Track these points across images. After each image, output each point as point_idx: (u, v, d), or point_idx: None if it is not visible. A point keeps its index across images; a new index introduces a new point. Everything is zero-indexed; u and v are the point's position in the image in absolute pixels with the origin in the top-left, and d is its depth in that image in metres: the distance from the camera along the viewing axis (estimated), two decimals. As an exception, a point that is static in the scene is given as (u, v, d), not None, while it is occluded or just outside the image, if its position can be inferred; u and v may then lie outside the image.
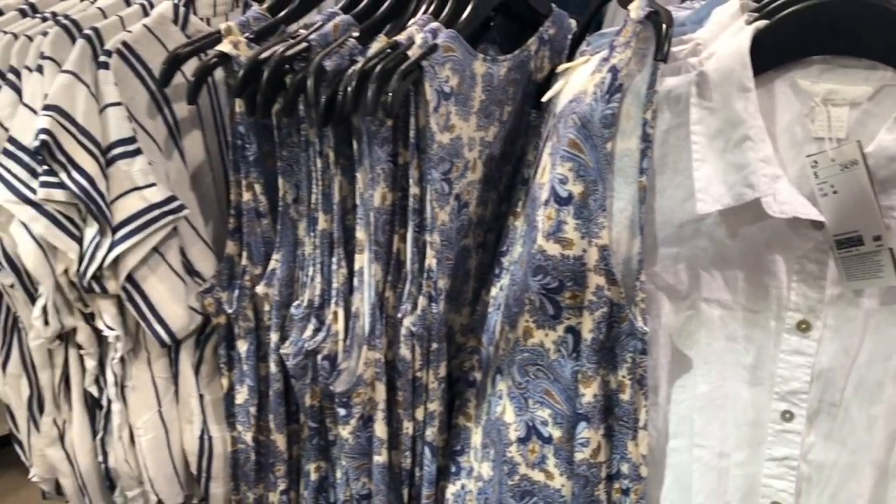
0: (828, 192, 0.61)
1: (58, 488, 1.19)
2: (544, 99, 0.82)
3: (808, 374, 0.68)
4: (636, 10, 0.68)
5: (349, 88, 0.77)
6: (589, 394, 0.75)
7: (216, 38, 0.87)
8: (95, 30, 0.87)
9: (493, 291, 0.91)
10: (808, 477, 0.71)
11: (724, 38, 0.66)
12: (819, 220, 0.62)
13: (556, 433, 0.79)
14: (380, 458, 0.92)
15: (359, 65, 0.78)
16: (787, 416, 0.70)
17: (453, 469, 0.94)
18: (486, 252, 0.99)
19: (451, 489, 0.94)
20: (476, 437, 0.91)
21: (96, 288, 0.91)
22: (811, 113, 0.63)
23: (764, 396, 0.71)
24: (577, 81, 0.75)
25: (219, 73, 0.95)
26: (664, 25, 0.64)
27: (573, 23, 1.01)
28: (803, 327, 0.68)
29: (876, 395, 0.65)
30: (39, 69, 0.88)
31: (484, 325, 0.91)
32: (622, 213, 0.72)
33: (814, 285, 0.66)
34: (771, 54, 0.63)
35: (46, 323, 0.95)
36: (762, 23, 0.63)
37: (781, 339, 0.69)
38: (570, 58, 0.91)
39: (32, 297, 0.98)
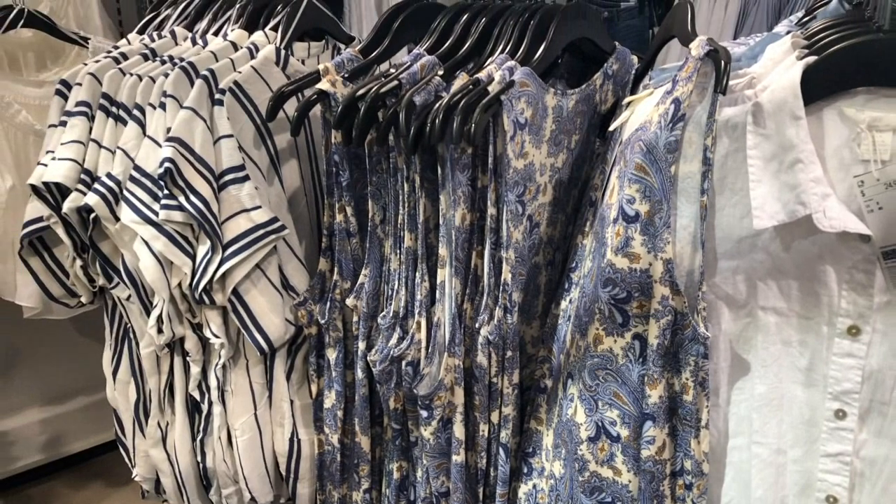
0: (874, 209, 0.68)
1: (156, 488, 1.30)
2: (611, 128, 0.90)
3: (860, 375, 0.74)
4: (697, 48, 0.77)
5: (437, 120, 0.87)
6: (655, 395, 0.83)
7: (315, 77, 0.98)
8: (211, 71, 0.99)
9: (563, 304, 0.99)
10: (861, 472, 0.77)
11: (778, 71, 0.74)
12: (867, 233, 0.69)
13: (624, 432, 0.86)
14: (458, 458, 1.00)
15: (444, 99, 0.88)
16: (840, 414, 0.76)
17: (525, 469, 1.02)
18: (555, 269, 1.07)
19: (524, 489, 1.01)
20: (548, 439, 0.98)
21: (206, 299, 1.02)
22: (857, 138, 0.70)
23: (818, 396, 0.77)
24: (643, 112, 0.83)
25: (313, 110, 1.06)
26: (723, 62, 0.73)
27: (635, 59, 1.09)
28: (854, 332, 0.74)
29: (920, 393, 0.72)
30: (162, 106, 1.00)
31: (554, 335, 0.99)
32: (685, 230, 0.79)
33: (863, 293, 0.73)
34: (820, 86, 0.71)
35: (160, 331, 1.06)
36: (812, 58, 0.71)
37: (833, 343, 0.75)
38: (634, 91, 1.00)
39: (147, 309, 1.09)
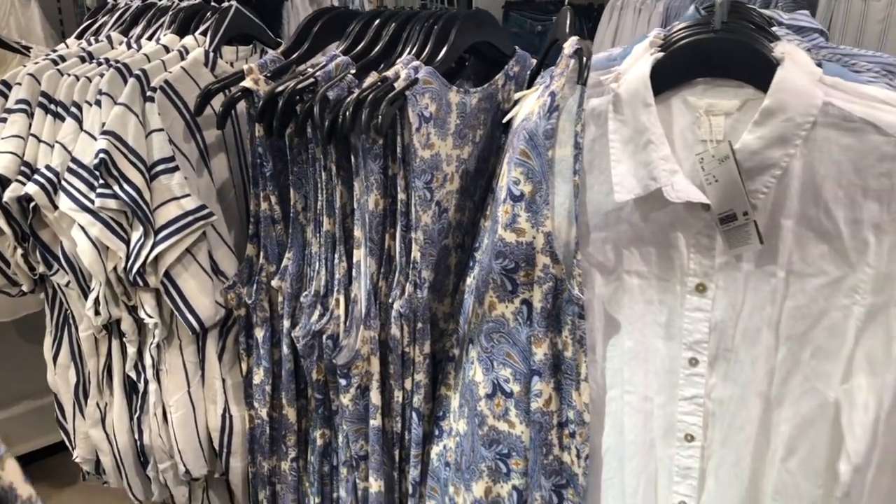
0: (711, 182, 0.80)
1: (96, 468, 1.37)
2: (504, 121, 1.01)
3: (707, 327, 0.86)
4: (568, 47, 0.89)
5: (347, 113, 0.97)
6: (540, 353, 0.94)
7: (240, 76, 1.08)
8: (144, 71, 1.08)
9: (468, 281, 1.09)
10: (713, 412, 0.88)
11: (636, 66, 0.86)
12: (706, 203, 0.81)
13: (516, 388, 0.97)
14: (375, 423, 1.10)
15: (355, 94, 0.99)
16: (693, 362, 0.88)
17: (437, 432, 1.12)
18: (465, 252, 1.18)
19: (436, 449, 1.11)
20: (454, 402, 1.09)
21: (139, 282, 1.10)
22: (697, 121, 0.82)
23: (676, 348, 0.89)
24: (528, 105, 0.95)
25: (240, 107, 1.16)
26: (584, 58, 0.84)
27: (534, 61, 1.21)
28: (701, 289, 0.86)
29: (756, 339, 0.83)
30: (98, 103, 1.09)
31: (462, 309, 1.09)
32: (562, 206, 0.91)
33: (707, 255, 0.85)
34: (667, 78, 0.83)
35: (97, 313, 1.14)
36: (660, 54, 0.83)
37: (685, 300, 0.87)
38: (529, 88, 1.12)
39: (85, 293, 1.17)
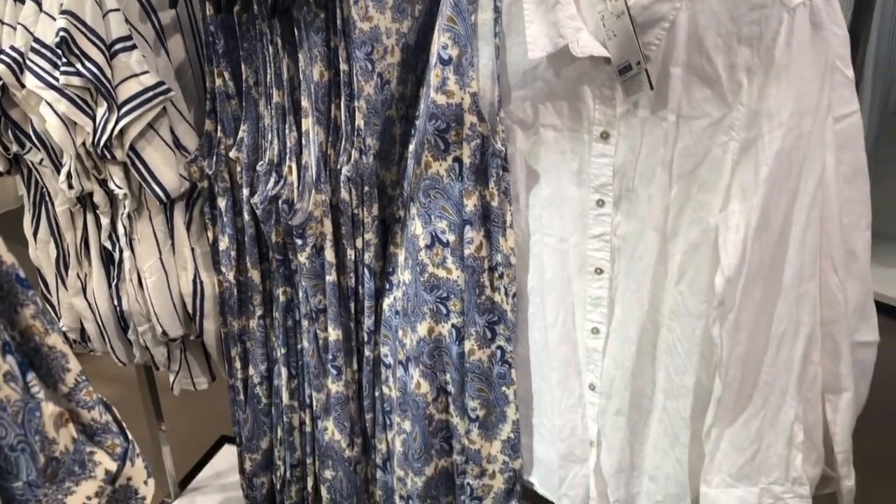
0: (611, 37, 0.89)
1: (82, 336, 1.49)
2: (436, -8, 1.09)
3: (611, 170, 0.97)
4: (484, -84, 0.96)
5: (285, -13, 1.05)
6: (471, 204, 1.04)
7: (190, -43, 1.14)
8: (96, -47, 1.14)
9: (411, 147, 1.19)
10: (618, 247, 1.00)
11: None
12: (607, 56, 0.90)
13: (451, 237, 1.08)
14: (330, 278, 1.21)
15: (293, -30, 1.06)
16: (601, 203, 0.99)
17: (387, 286, 1.23)
18: (409, 123, 1.27)
19: (387, 301, 1.23)
20: (400, 257, 1.20)
21: (107, 155, 1.19)
22: (599, -18, 0.91)
23: (586, 192, 1.00)
24: (455, -24, 1.02)
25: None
26: (496, -75, 0.92)
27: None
28: (605, 136, 0.96)
29: (651, 179, 0.94)
30: (55, -15, 1.15)
31: (405, 173, 1.19)
32: (485, 68, 1.00)
33: (609, 105, 0.94)
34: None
35: (70, 186, 1.23)
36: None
37: (592, 147, 0.97)
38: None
39: (58, 169, 1.26)
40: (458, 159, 1.05)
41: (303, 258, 1.21)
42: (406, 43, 1.20)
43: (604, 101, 0.95)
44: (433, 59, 1.03)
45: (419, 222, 1.11)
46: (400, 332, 1.19)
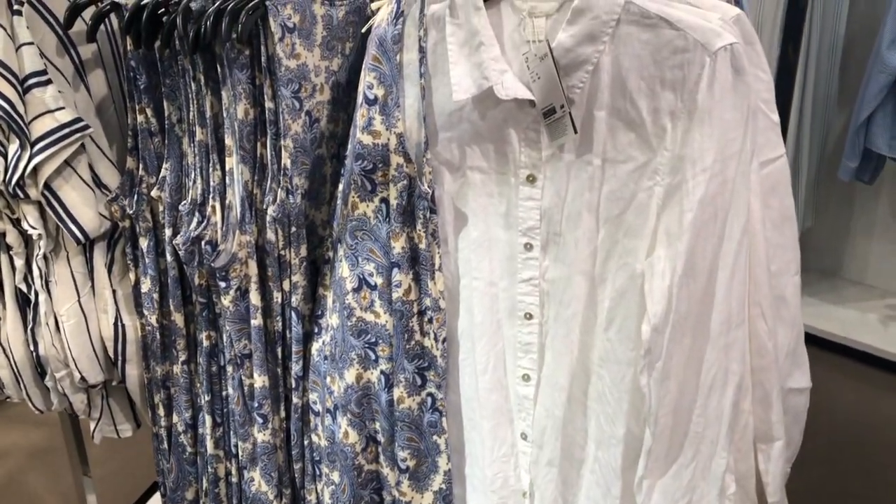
0: (536, 79, 0.88)
1: (-3, 383, 1.41)
2: (363, 31, 1.07)
3: (538, 214, 0.95)
4: (410, -44, 0.94)
5: (208, 23, 1.02)
6: (398, 246, 1.01)
7: (109, -10, 1.10)
8: (10, -16, 1.10)
9: (340, 187, 1.16)
10: (547, 291, 0.97)
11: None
12: (532, 98, 0.88)
13: (379, 280, 1.05)
14: (256, 322, 1.17)
15: (216, 4, 1.03)
16: (529, 247, 0.97)
17: (316, 330, 1.19)
18: (340, 162, 1.24)
19: (316, 346, 1.19)
20: (329, 300, 1.16)
21: (20, 194, 1.14)
22: (523, 23, 0.89)
23: (514, 235, 0.97)
24: (381, 13, 1.00)
25: (117, 24, 1.19)
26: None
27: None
28: (531, 179, 0.94)
29: (578, 223, 0.92)
30: (-35, 17, 1.10)
31: (335, 214, 1.16)
32: (411, 108, 0.97)
33: (534, 147, 0.93)
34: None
35: (-21, 227, 1.18)
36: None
37: (519, 191, 0.95)
38: None
39: (-33, 207, 1.20)
40: (385, 200, 1.02)
41: (227, 301, 1.16)
42: (336, 81, 1.18)
43: (529, 143, 0.93)
44: (359, 98, 1.00)
45: (346, 265, 1.07)
46: (328, 379, 1.15)
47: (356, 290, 1.07)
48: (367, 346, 1.07)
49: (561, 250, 0.94)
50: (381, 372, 1.08)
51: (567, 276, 0.94)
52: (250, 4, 1.02)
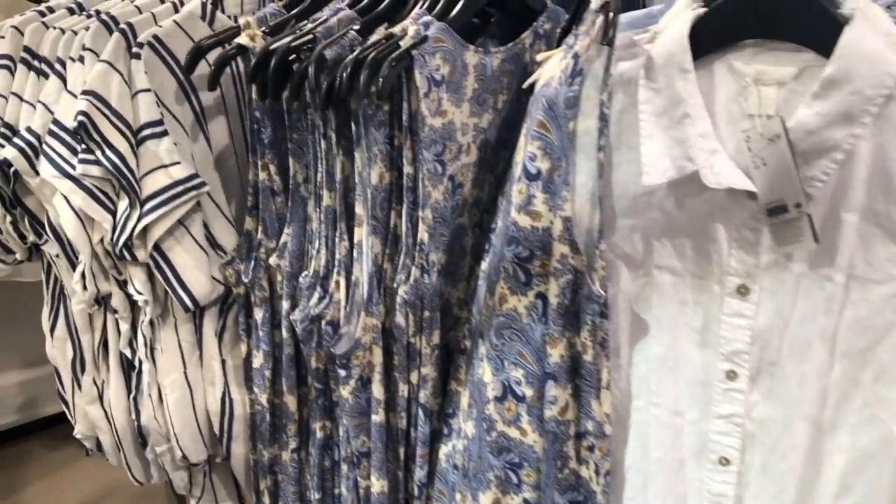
0: (759, 165, 0.67)
1: (98, 446, 1.31)
2: (525, 86, 0.88)
3: (749, 336, 0.73)
4: (595, 1, 0.75)
5: (344, 74, 0.86)
6: (556, 354, 0.82)
7: (236, 31, 0.97)
8: (130, 24, 0.98)
9: (483, 265, 0.98)
10: (752, 433, 0.76)
11: (671, 25, 0.72)
12: (752, 190, 0.68)
13: (529, 392, 0.86)
14: (377, 418, 1.00)
15: (354, 54, 0.87)
16: (732, 375, 0.75)
17: (446, 431, 1.01)
18: (483, 232, 1.06)
19: (444, 449, 1.01)
20: (464, 400, 0.98)
21: (127, 256, 1.02)
22: (744, 92, 0.68)
23: (711, 357, 0.76)
24: (550, 68, 0.82)
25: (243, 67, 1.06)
26: (610, 13, 0.71)
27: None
28: (742, 291, 0.73)
29: (806, 354, 0.70)
30: (81, 59, 0.99)
31: (475, 296, 0.98)
32: (583, 188, 0.78)
33: (750, 251, 0.71)
34: (710, 38, 0.69)
35: (85, 288, 1.06)
36: (701, 10, 0.69)
37: (724, 303, 0.74)
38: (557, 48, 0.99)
39: (74, 265, 1.09)
40: (542, 296, 0.83)
41: (346, 392, 1.00)
42: (485, 139, 1.00)
43: (743, 245, 0.71)
44: (517, 170, 0.82)
45: (489, 367, 0.89)
46: (458, 496, 0.96)
47: (499, 399, 0.88)
48: (508, 467, 0.88)
49: (778, 385, 0.72)
50: (525, 501, 0.88)
51: (784, 419, 0.72)
52: (394, 54, 0.85)
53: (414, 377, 0.99)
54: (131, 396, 1.17)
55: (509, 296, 0.85)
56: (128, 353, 1.14)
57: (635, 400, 0.83)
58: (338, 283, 0.99)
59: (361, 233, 0.96)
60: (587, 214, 0.79)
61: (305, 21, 0.99)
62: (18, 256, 1.19)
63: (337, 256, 0.98)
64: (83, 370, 1.21)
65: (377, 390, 0.99)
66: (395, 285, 0.96)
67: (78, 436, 1.30)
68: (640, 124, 0.73)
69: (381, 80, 0.84)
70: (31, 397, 2.33)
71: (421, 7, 0.94)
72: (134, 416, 1.18)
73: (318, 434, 1.08)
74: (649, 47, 0.74)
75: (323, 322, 0.99)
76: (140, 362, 1.13)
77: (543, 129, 0.78)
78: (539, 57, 0.90)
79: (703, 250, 0.74)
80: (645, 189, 0.75)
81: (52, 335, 1.24)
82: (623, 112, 0.75)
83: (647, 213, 0.76)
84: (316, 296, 1.01)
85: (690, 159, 0.69)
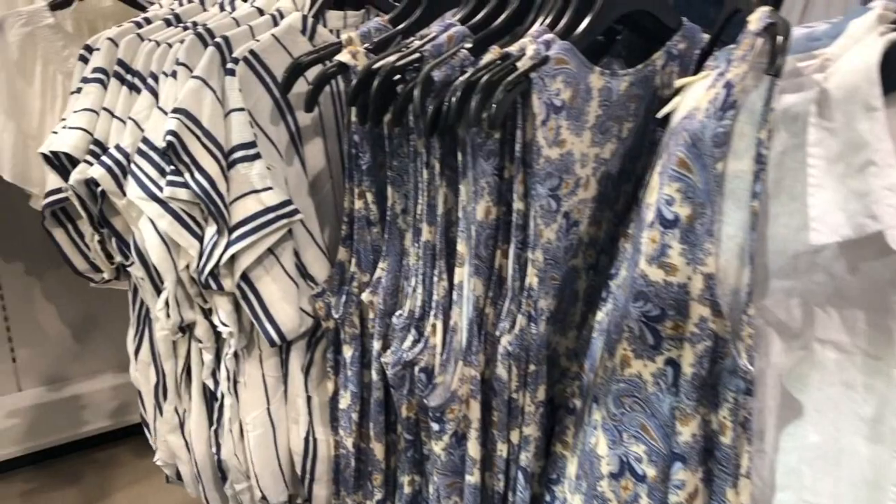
0: (966, 228, 0.54)
1: (178, 474, 1.26)
2: (660, 115, 0.77)
3: (938, 434, 0.60)
4: (756, 21, 0.63)
5: (454, 99, 0.76)
6: (687, 433, 0.70)
7: (337, 48, 0.89)
8: (225, 38, 0.92)
9: (599, 316, 0.86)
10: (933, 551, 0.62)
11: (854, 51, 0.59)
12: (954, 258, 0.55)
13: (651, 472, 0.74)
14: (472, 479, 0.90)
15: (465, 76, 0.77)
16: (912, 480, 0.62)
17: (548, 498, 0.90)
18: (599, 274, 0.95)
19: (545, 519, 0.90)
20: (571, 467, 0.87)
21: (213, 285, 0.95)
22: (947, 136, 0.56)
23: (885, 454, 0.63)
24: (693, 97, 0.70)
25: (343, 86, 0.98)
26: (780, 37, 0.59)
27: (706, 37, 0.95)
28: (931, 379, 0.60)
29: None
30: (174, 74, 0.94)
31: (588, 350, 0.87)
32: (732, 240, 0.66)
33: (945, 333, 0.58)
34: (904, 71, 0.57)
35: (168, 315, 1.00)
36: (894, 35, 0.57)
37: (905, 391, 0.61)
38: (698, 73, 0.86)
39: (159, 291, 1.03)
40: (673, 363, 0.71)
41: (438, 447, 0.90)
42: (606, 172, 0.89)
43: (937, 325, 0.58)
44: (649, 213, 0.70)
45: (604, 437, 0.78)
46: (560, 575, 0.85)
47: (615, 476, 0.76)
48: (622, 553, 0.77)
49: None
50: (639, 592, 0.76)
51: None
52: (510, 77, 0.75)
53: (514, 436, 0.89)
54: (212, 429, 1.11)
55: (633, 359, 0.74)
56: (210, 384, 1.08)
57: (780, 492, 0.70)
58: (434, 326, 0.89)
59: (462, 273, 0.86)
60: (734, 272, 0.66)
61: (412, 38, 0.90)
62: (106, 276, 1.15)
63: (434, 297, 0.89)
64: (165, 397, 1.16)
65: (473, 448, 0.89)
66: (497, 333, 0.86)
67: (158, 462, 1.25)
68: (809, 170, 0.60)
69: (494, 105, 0.74)
70: (125, 402, 2.34)
71: (541, 23, 0.84)
72: (214, 450, 1.12)
73: (406, 489, 0.98)
74: (820, 77, 0.61)
75: (416, 368, 0.90)
76: (222, 395, 1.06)
77: (685, 168, 0.67)
78: (678, 82, 0.78)
79: (882, 325, 0.61)
80: (809, 247, 0.62)
81: (136, 358, 1.19)
82: (785, 154, 0.63)
83: (810, 275, 0.64)
84: (410, 338, 0.92)
85: (873, 217, 0.56)
